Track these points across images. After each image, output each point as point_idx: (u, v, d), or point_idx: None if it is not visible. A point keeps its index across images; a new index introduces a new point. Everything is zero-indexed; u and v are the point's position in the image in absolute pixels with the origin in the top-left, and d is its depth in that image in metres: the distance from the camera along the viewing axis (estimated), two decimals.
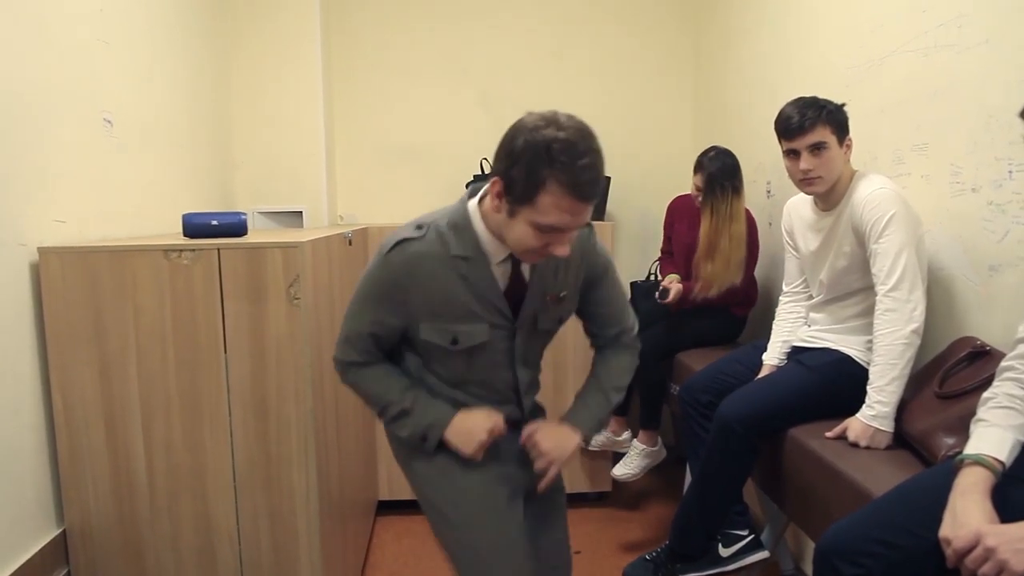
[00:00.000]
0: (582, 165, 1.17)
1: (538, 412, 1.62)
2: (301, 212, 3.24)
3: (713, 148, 2.60)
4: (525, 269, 1.40)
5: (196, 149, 2.75)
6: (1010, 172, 1.57)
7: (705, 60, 3.50)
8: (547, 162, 1.17)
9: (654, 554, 1.96)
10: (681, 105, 3.65)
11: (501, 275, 1.38)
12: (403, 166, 3.58)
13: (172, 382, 1.74)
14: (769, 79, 2.78)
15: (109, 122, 2.05)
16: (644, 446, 2.75)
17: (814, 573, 1.22)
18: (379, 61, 3.52)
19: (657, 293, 2.61)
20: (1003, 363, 1.25)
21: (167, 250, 1.70)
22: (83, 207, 1.91)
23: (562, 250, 1.25)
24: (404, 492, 3.05)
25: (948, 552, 1.06)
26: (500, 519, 1.44)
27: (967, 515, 1.06)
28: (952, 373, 1.53)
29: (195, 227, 1.89)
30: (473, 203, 1.37)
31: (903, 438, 1.59)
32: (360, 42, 3.50)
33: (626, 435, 2.83)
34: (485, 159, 3.35)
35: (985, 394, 1.24)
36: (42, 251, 1.68)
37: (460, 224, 1.35)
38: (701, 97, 3.57)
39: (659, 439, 2.78)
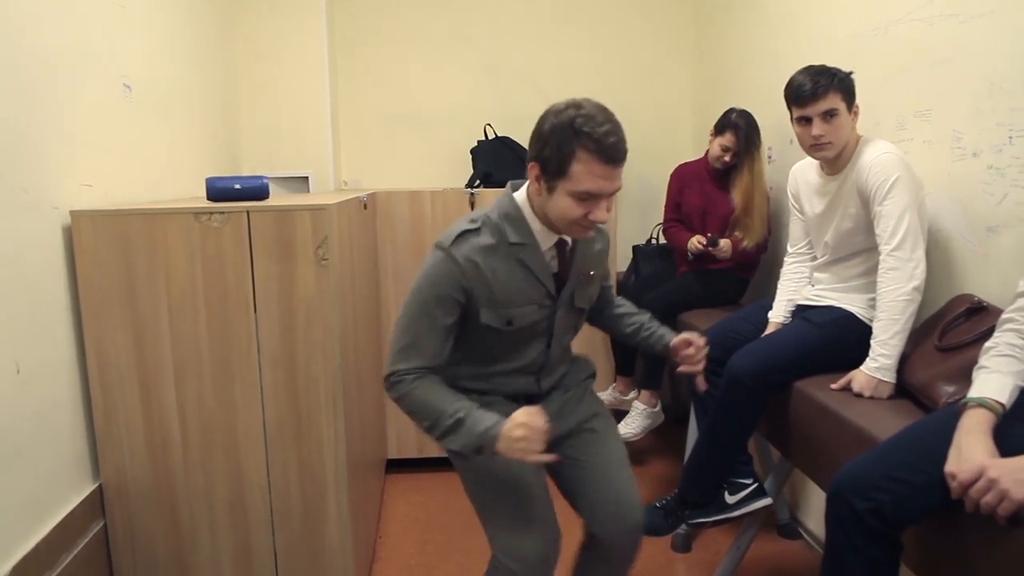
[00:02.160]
0: (604, 131, 1.30)
1: (562, 382, 1.68)
2: (307, 177, 3.27)
3: (733, 109, 2.66)
4: (567, 251, 1.52)
5: (205, 115, 2.78)
6: (1010, 138, 1.65)
7: (705, 27, 3.54)
8: (574, 135, 1.31)
9: (664, 501, 2.07)
10: (681, 73, 3.70)
11: (549, 260, 1.50)
12: (406, 132, 3.61)
13: (204, 341, 1.80)
14: (772, 47, 2.83)
15: (128, 87, 2.08)
16: (645, 407, 2.85)
17: (828, 509, 1.31)
18: (383, 28, 3.52)
19: (707, 247, 2.63)
20: (1004, 315, 1.34)
21: (197, 213, 1.75)
22: (107, 171, 1.95)
23: (602, 215, 1.36)
24: (411, 450, 3.15)
25: (953, 485, 1.15)
26: (523, 495, 1.55)
27: (971, 451, 1.16)
28: (951, 327, 1.62)
29: (219, 191, 1.93)
30: (520, 194, 1.49)
31: (904, 388, 1.68)
32: (364, 10, 3.51)
33: (632, 394, 2.93)
34: (488, 125, 3.39)
35: (987, 344, 1.33)
36: (74, 214, 1.72)
37: (512, 214, 1.46)
38: (701, 65, 3.61)
39: (659, 401, 2.88)
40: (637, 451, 3.35)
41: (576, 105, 1.35)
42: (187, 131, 2.56)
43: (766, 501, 2.03)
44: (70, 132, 1.76)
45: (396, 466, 3.21)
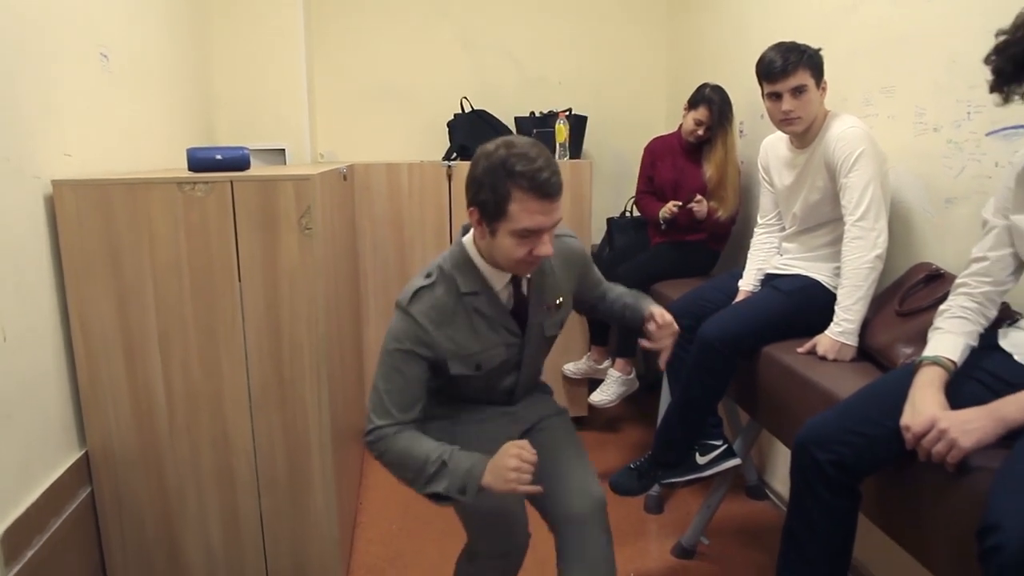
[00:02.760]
0: (537, 167, 1.30)
1: (533, 400, 1.70)
2: (284, 150, 3.27)
3: (707, 84, 2.72)
4: (524, 287, 1.51)
5: (181, 86, 2.76)
6: (968, 113, 1.73)
7: (680, 4, 3.58)
8: (507, 175, 1.31)
9: (638, 463, 2.15)
10: (655, 48, 3.74)
11: (505, 299, 1.51)
12: (383, 105, 3.61)
13: (188, 310, 1.82)
14: (744, 23, 2.89)
15: (105, 56, 2.07)
16: (620, 374, 2.93)
17: (793, 462, 1.40)
18: (360, 1, 3.51)
19: (686, 204, 2.71)
20: (958, 280, 1.43)
21: (181, 183, 1.77)
22: (87, 141, 1.94)
23: (545, 249, 1.36)
24: None
25: (907, 436, 1.24)
26: (505, 522, 1.60)
27: (924, 405, 1.24)
28: (911, 294, 1.71)
29: (200, 161, 1.95)
30: (468, 239, 1.48)
31: (866, 352, 1.77)
32: None
33: (607, 363, 3.01)
34: (465, 98, 3.41)
35: (941, 307, 1.42)
36: (56, 184, 1.73)
37: (462, 263, 1.47)
38: (675, 40, 3.66)
39: (633, 369, 2.96)
40: (609, 419, 3.45)
41: (507, 144, 1.34)
42: (163, 102, 2.55)
43: (735, 461, 2.12)
44: (49, 102, 1.76)
45: None
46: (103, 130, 2.05)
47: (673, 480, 2.11)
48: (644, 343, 1.68)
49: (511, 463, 1.32)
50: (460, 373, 1.49)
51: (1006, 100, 1.20)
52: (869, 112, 2.10)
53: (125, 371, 1.84)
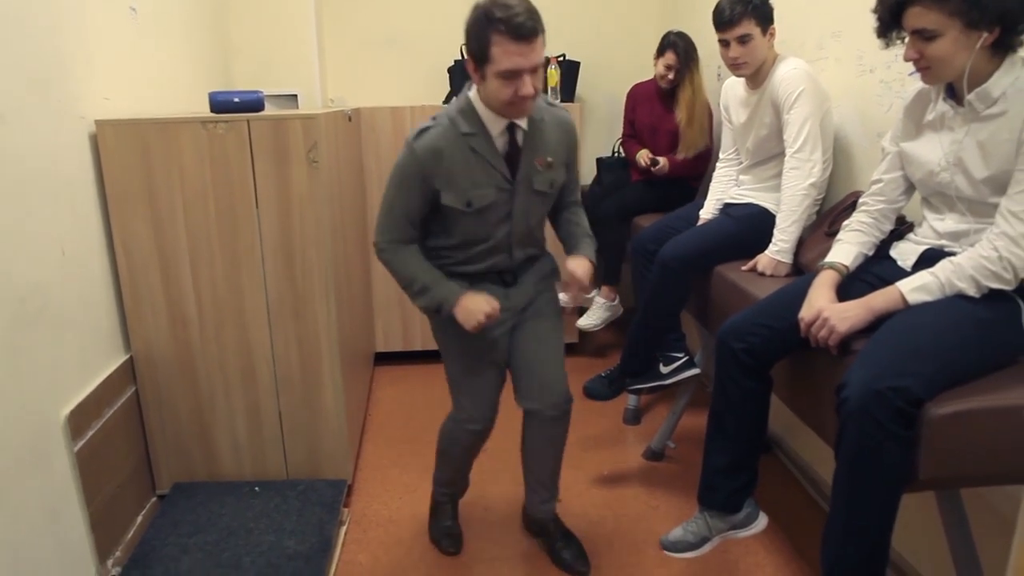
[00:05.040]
0: (514, 13, 1.46)
1: (534, 259, 1.90)
2: (296, 95, 3.51)
3: (671, 31, 2.92)
4: (519, 137, 1.70)
5: (201, 36, 3.01)
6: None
7: None
8: (487, 22, 1.49)
9: (608, 372, 2.44)
10: None
11: (501, 145, 1.69)
12: (387, 53, 3.83)
13: (214, 233, 2.11)
14: None
15: (134, 10, 2.32)
16: (605, 300, 3.20)
17: (715, 352, 1.68)
18: None
19: (650, 166, 2.97)
20: (860, 199, 1.67)
21: (204, 122, 2.04)
22: (121, 86, 2.21)
23: (527, 89, 1.53)
24: (397, 343, 3.52)
25: (801, 325, 1.51)
26: (478, 364, 1.87)
27: (815, 300, 1.51)
28: (838, 218, 1.95)
29: (220, 103, 2.20)
30: (471, 91, 1.68)
31: (799, 268, 2.03)
32: None
33: (594, 292, 3.28)
34: (464, 45, 3.61)
35: (845, 222, 1.67)
36: (99, 123, 2.01)
37: (465, 109, 1.67)
38: None
39: (617, 295, 3.23)
40: (599, 345, 3.74)
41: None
42: (185, 50, 2.80)
43: (695, 371, 2.40)
44: (88, 51, 2.02)
45: (384, 359, 3.59)
46: (134, 76, 2.32)
47: (638, 387, 2.40)
48: (560, 289, 1.90)
49: (479, 317, 1.68)
50: (451, 205, 1.68)
51: (887, 44, 1.43)
52: (821, 55, 2.31)
53: (162, 286, 2.14)
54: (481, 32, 1.50)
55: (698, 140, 2.90)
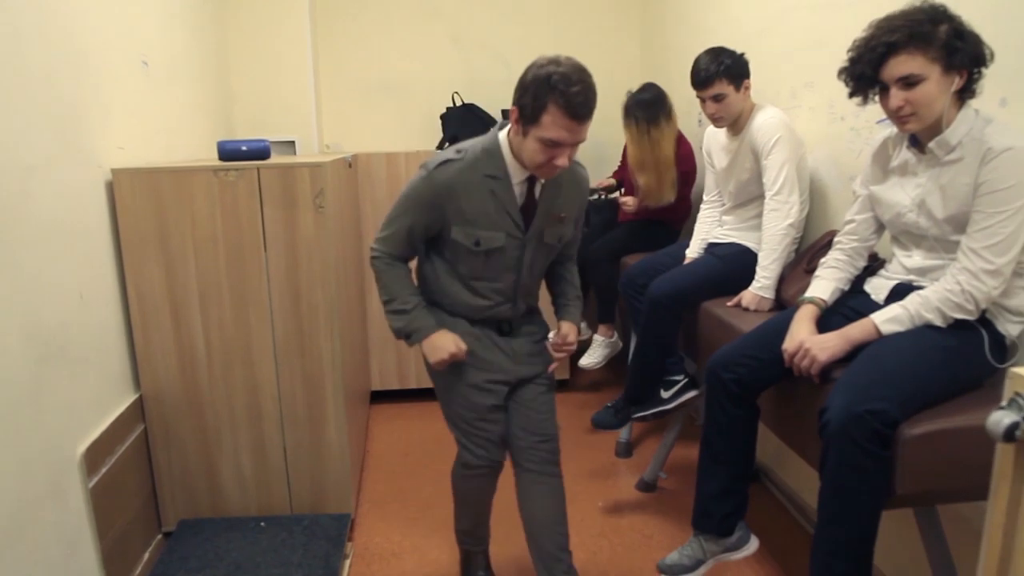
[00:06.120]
0: (575, 91, 1.50)
1: (532, 314, 1.93)
2: (294, 142, 3.64)
3: (630, 97, 3.02)
4: (537, 190, 1.72)
5: (205, 86, 3.14)
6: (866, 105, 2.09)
7: (652, 6, 3.94)
8: (548, 89, 1.51)
9: (614, 402, 2.53)
10: (630, 44, 4.10)
11: (519, 194, 1.71)
12: (382, 100, 3.98)
13: (223, 275, 2.21)
14: (702, 24, 3.25)
15: (146, 64, 2.44)
16: (603, 338, 3.31)
17: (705, 382, 1.78)
18: (360, 3, 3.88)
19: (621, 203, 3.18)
20: (835, 238, 1.81)
21: (216, 170, 2.14)
22: (134, 135, 2.32)
23: (563, 161, 1.58)
24: (392, 383, 3.60)
25: (785, 356, 1.62)
26: (477, 406, 1.84)
27: (797, 332, 1.62)
28: (815, 255, 2.09)
29: (229, 151, 2.32)
30: (502, 133, 1.70)
31: (781, 303, 2.15)
32: None
33: (588, 331, 3.39)
34: (456, 93, 3.77)
35: (822, 259, 1.80)
36: (115, 172, 2.11)
37: (491, 149, 1.68)
38: (647, 37, 4.02)
39: (615, 332, 3.34)
40: (590, 382, 3.84)
41: (556, 62, 1.53)
42: (191, 100, 2.93)
43: (695, 392, 2.49)
44: (105, 103, 2.13)
45: (379, 398, 3.66)
46: (146, 126, 2.43)
47: (642, 414, 2.48)
48: (551, 349, 1.91)
49: (444, 355, 1.74)
50: (459, 241, 1.70)
51: (864, 102, 1.57)
52: (795, 104, 2.47)
53: (172, 327, 2.22)
54: (539, 93, 1.52)
55: (656, 194, 2.97)
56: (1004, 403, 1.02)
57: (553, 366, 1.92)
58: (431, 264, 1.83)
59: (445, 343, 1.75)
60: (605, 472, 2.92)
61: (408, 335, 1.79)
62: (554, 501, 1.89)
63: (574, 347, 1.88)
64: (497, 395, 1.85)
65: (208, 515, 2.35)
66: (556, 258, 1.93)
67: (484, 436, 1.88)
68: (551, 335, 1.92)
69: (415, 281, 1.86)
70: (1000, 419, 1.00)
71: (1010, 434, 1.00)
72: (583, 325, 3.39)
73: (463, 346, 1.77)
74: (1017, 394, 1.01)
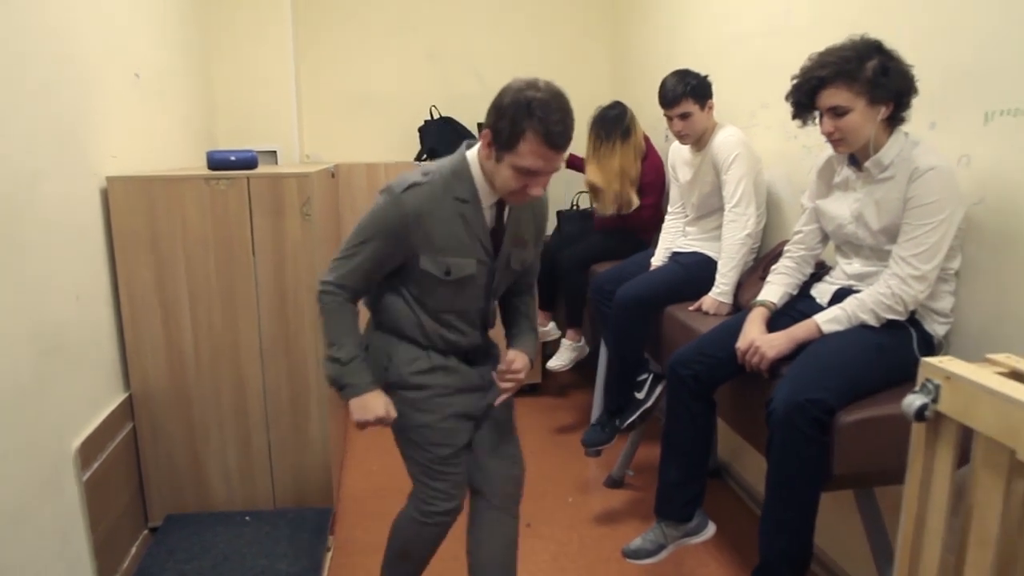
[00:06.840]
0: (554, 120, 1.43)
1: (489, 343, 1.83)
2: (275, 151, 3.75)
3: (613, 103, 3.18)
4: (505, 214, 1.64)
5: (191, 98, 3.24)
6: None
7: (621, 27, 4.13)
8: (527, 115, 1.42)
9: (598, 418, 2.67)
10: (601, 64, 4.28)
11: (489, 218, 1.62)
12: (361, 112, 4.10)
13: (213, 279, 2.31)
14: (666, 47, 3.44)
15: (138, 76, 2.54)
16: (571, 342, 3.45)
17: (666, 379, 1.93)
18: (340, 18, 4.00)
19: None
20: (785, 247, 1.97)
21: (207, 178, 2.25)
22: (126, 145, 2.42)
23: (538, 191, 1.51)
24: None
25: (738, 354, 1.78)
26: (452, 443, 1.73)
27: (749, 332, 1.78)
28: (770, 263, 2.25)
29: (218, 161, 2.43)
30: (471, 153, 1.59)
31: (739, 307, 2.31)
32: (324, 1, 3.97)
33: (551, 325, 3.52)
34: (434, 106, 3.91)
35: (773, 266, 1.97)
36: (110, 179, 2.21)
37: (460, 171, 1.58)
38: (617, 58, 4.21)
39: (582, 336, 3.49)
40: (560, 385, 3.99)
41: (535, 87, 1.45)
42: (179, 111, 3.03)
43: (664, 382, 2.62)
44: (100, 114, 2.23)
45: None
46: (137, 135, 2.53)
47: (629, 420, 2.60)
48: (497, 378, 1.74)
49: (370, 417, 1.63)
50: (428, 271, 1.59)
51: (804, 124, 1.74)
52: (754, 123, 2.64)
53: (162, 327, 2.31)
54: (517, 119, 1.44)
55: (615, 199, 3.09)
56: (916, 388, 1.18)
57: (501, 398, 1.74)
58: (395, 296, 1.68)
59: (375, 406, 1.64)
60: (575, 471, 3.05)
61: (340, 387, 1.66)
62: (512, 546, 1.83)
63: (521, 376, 1.72)
64: (469, 431, 1.76)
65: (194, 510, 2.44)
66: (513, 289, 1.82)
67: (453, 479, 1.75)
68: (501, 364, 1.75)
69: (372, 312, 1.75)
70: (912, 401, 1.17)
71: (920, 414, 1.16)
72: (552, 325, 3.54)
73: (393, 413, 1.66)
74: (927, 379, 1.18)
